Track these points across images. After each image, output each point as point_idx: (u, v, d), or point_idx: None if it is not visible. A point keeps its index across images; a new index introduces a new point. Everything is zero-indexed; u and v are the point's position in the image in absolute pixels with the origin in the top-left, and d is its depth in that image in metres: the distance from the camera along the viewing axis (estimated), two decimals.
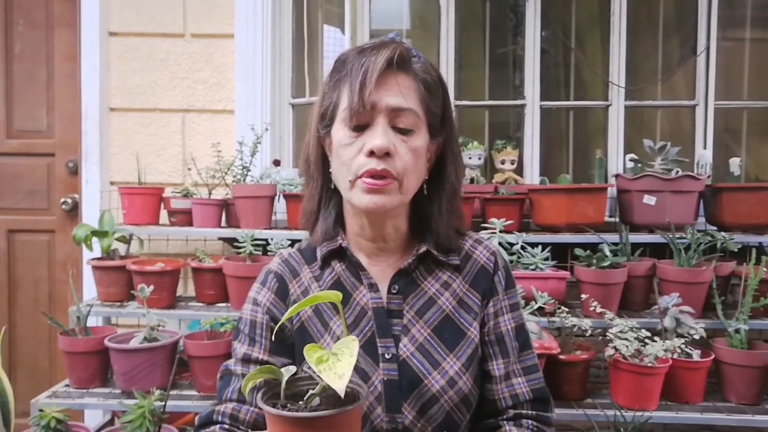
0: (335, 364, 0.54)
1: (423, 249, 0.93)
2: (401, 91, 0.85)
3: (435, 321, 0.91)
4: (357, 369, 0.86)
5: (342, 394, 0.53)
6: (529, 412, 0.93)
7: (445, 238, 0.94)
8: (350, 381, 0.59)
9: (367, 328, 0.90)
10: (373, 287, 0.92)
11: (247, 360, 0.91)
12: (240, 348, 0.92)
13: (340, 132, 0.88)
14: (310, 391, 0.60)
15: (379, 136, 0.83)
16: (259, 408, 0.56)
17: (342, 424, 0.56)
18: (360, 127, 0.86)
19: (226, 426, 0.85)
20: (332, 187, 0.94)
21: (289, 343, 0.92)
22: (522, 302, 1.05)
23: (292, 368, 0.62)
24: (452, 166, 0.95)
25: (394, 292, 0.92)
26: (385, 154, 0.84)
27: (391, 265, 0.95)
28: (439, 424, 0.87)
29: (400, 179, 0.86)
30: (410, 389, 0.86)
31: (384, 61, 0.84)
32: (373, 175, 0.84)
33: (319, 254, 0.95)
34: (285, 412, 0.56)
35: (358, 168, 0.85)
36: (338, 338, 0.89)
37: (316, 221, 0.97)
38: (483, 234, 1.82)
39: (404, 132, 0.86)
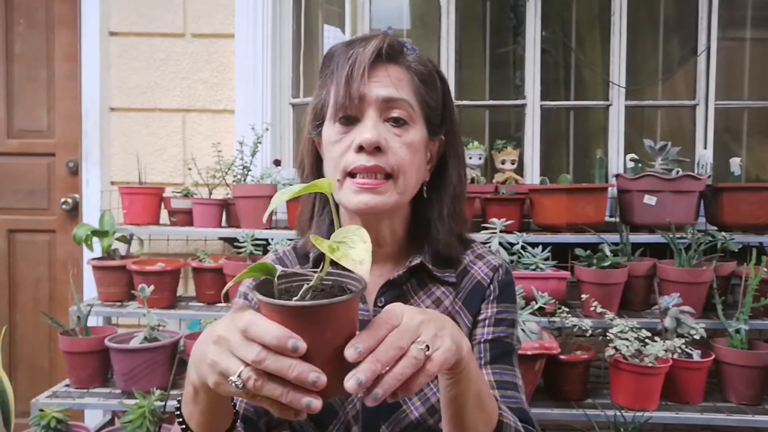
0: (349, 251, 0.52)
1: (417, 261, 0.86)
2: (392, 82, 0.79)
3: None
4: None
5: (366, 279, 0.51)
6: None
7: (446, 245, 0.87)
8: (349, 275, 0.58)
9: None
10: (361, 298, 0.86)
11: None
12: None
13: (329, 129, 0.82)
14: (305, 285, 0.57)
15: (368, 129, 0.77)
16: (262, 299, 0.52)
17: (341, 313, 0.53)
18: (349, 121, 0.79)
19: None
20: None
21: None
22: (518, 319, 0.94)
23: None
24: (455, 167, 0.88)
25: (380, 305, 0.85)
26: (376, 149, 0.77)
27: (382, 275, 0.87)
28: None
29: (395, 176, 0.79)
30: (389, 413, 0.81)
31: (372, 51, 0.77)
32: (363, 172, 0.77)
33: (312, 256, 0.90)
34: (288, 302, 0.52)
35: (347, 165, 0.78)
36: None
37: (309, 228, 0.91)
38: (483, 234, 1.82)
39: (398, 124, 0.79)
